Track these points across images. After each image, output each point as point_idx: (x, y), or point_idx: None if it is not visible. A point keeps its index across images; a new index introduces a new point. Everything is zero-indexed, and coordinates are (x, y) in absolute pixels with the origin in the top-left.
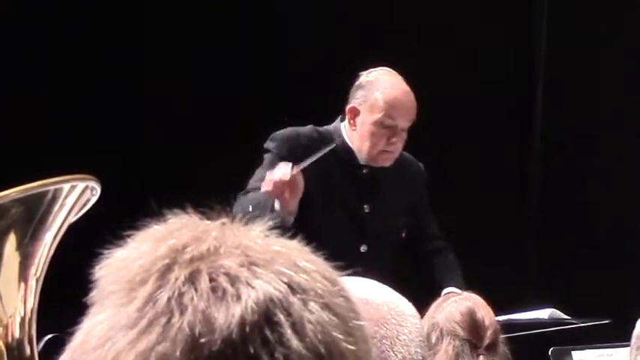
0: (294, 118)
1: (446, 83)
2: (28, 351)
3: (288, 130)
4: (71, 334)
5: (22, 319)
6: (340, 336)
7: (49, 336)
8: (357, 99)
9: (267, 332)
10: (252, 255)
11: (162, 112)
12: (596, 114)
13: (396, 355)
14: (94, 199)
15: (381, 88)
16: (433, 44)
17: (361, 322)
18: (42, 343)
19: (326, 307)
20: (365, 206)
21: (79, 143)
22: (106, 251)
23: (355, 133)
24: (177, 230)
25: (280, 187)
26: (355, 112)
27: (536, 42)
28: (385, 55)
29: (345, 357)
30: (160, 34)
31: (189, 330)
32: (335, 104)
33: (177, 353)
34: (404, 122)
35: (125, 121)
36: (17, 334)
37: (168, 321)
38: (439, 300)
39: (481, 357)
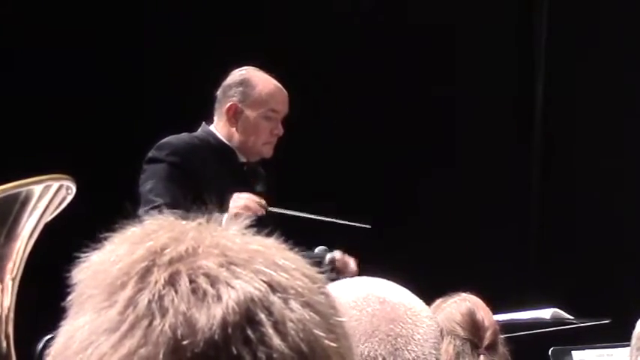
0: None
1: (446, 83)
2: (4, 348)
3: (175, 138)
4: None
5: None
6: (322, 333)
7: (49, 336)
8: (234, 97)
9: (249, 332)
10: (231, 255)
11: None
12: (596, 114)
13: (409, 353)
14: (69, 198)
15: (260, 83)
16: (433, 44)
17: (342, 319)
18: (42, 344)
19: (307, 304)
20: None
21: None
22: (82, 254)
23: (236, 130)
24: (154, 232)
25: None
26: (236, 110)
27: (536, 42)
28: (386, 55)
29: (328, 354)
30: (159, 34)
31: (171, 332)
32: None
33: (160, 356)
34: (284, 112)
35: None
36: None
37: (150, 324)
38: (438, 301)
39: (482, 357)
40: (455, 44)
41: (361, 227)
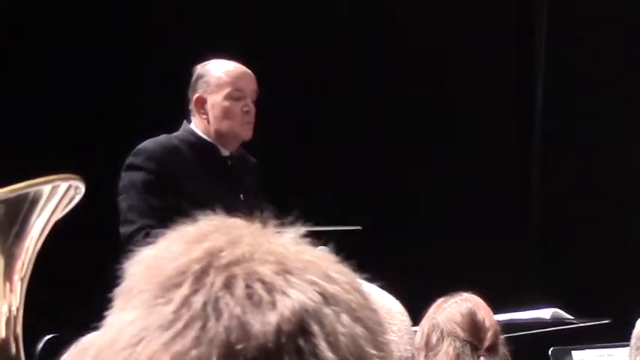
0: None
1: (446, 83)
2: (13, 349)
3: (151, 142)
4: (78, 334)
5: (8, 319)
6: (372, 350)
7: (49, 336)
8: (199, 89)
9: (302, 342)
10: (286, 263)
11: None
12: (596, 114)
13: None
14: (78, 198)
15: (219, 68)
16: (433, 44)
17: (388, 337)
18: (42, 343)
19: (358, 320)
20: (241, 195)
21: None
22: (135, 249)
23: (207, 121)
24: (211, 233)
25: None
26: (202, 101)
27: (537, 42)
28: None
29: None
30: (158, 36)
31: (225, 336)
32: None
33: (214, 358)
34: (250, 90)
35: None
36: (3, 334)
37: (204, 325)
38: (439, 301)
39: (482, 358)
40: (455, 44)
41: (353, 230)
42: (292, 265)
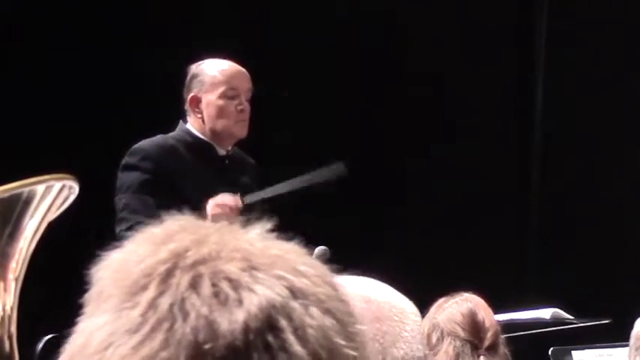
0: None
1: (446, 83)
2: (7, 348)
3: (148, 143)
4: (69, 335)
5: (2, 318)
6: (342, 341)
7: (49, 336)
8: (194, 89)
9: (270, 338)
10: (253, 259)
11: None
12: (596, 114)
13: (398, 350)
14: (72, 198)
15: (213, 67)
16: (432, 44)
17: (361, 327)
18: (42, 344)
19: (327, 311)
20: (239, 194)
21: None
22: (101, 252)
23: (202, 120)
24: (177, 233)
25: (228, 214)
26: (197, 100)
27: (537, 42)
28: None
29: None
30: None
31: (192, 336)
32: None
33: (182, 359)
34: (244, 89)
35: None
36: None
37: (171, 327)
38: (440, 301)
39: (482, 358)
40: (455, 44)
41: (339, 175)
42: (259, 261)
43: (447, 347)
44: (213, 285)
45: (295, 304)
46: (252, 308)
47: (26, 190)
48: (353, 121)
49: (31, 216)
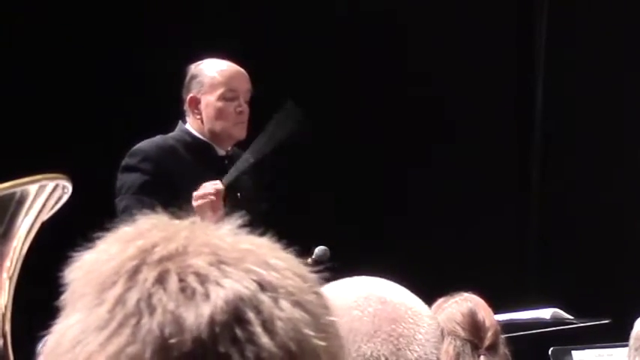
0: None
1: (446, 83)
2: (1, 346)
3: (147, 143)
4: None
5: None
6: (311, 332)
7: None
8: (193, 89)
9: (237, 331)
10: (222, 254)
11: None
12: (596, 114)
13: (412, 353)
14: (65, 197)
15: (213, 68)
16: (432, 43)
17: (333, 318)
18: (41, 343)
19: (297, 304)
20: (238, 194)
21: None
22: (75, 253)
23: (201, 121)
24: (147, 231)
25: (214, 202)
26: (196, 101)
27: (537, 42)
28: (386, 55)
29: (317, 353)
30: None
31: (158, 331)
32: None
33: (148, 354)
34: (244, 90)
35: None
36: None
37: (138, 322)
38: (440, 300)
39: (482, 357)
40: (455, 44)
41: (295, 118)
42: (228, 256)
43: (447, 347)
44: (181, 280)
45: (264, 297)
46: (218, 302)
47: (19, 189)
48: (353, 121)
49: (25, 215)
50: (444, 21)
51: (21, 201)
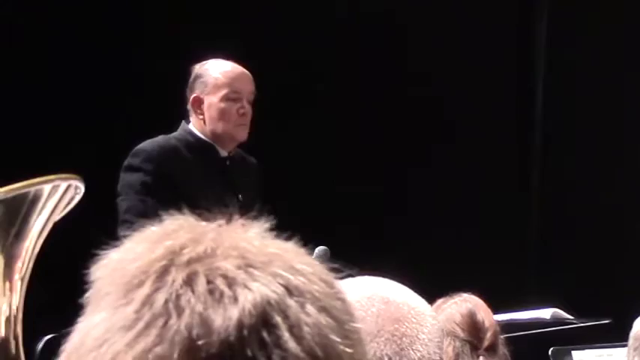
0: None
1: (446, 83)
2: (13, 348)
3: (149, 143)
4: (69, 334)
5: (8, 318)
6: (337, 339)
7: (49, 336)
8: (197, 89)
9: (265, 334)
10: (249, 257)
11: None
12: (596, 114)
13: (415, 353)
14: (78, 198)
15: (217, 69)
16: (432, 43)
17: (357, 325)
18: (42, 343)
19: (323, 309)
20: (239, 195)
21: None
22: (101, 252)
23: (204, 121)
24: (174, 232)
25: None
26: (199, 101)
27: (537, 42)
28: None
29: (342, 359)
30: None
31: (186, 332)
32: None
33: (175, 355)
34: (247, 92)
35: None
36: (2, 333)
37: (166, 323)
38: (439, 301)
39: (481, 358)
40: (455, 44)
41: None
42: (255, 259)
43: (447, 347)
44: (209, 282)
45: (291, 302)
46: (246, 305)
47: (32, 189)
48: (353, 121)
49: (38, 216)
50: (443, 21)
51: (34, 201)
